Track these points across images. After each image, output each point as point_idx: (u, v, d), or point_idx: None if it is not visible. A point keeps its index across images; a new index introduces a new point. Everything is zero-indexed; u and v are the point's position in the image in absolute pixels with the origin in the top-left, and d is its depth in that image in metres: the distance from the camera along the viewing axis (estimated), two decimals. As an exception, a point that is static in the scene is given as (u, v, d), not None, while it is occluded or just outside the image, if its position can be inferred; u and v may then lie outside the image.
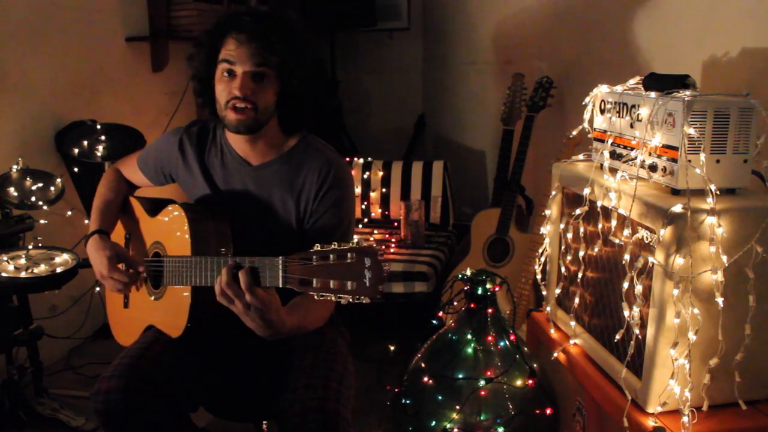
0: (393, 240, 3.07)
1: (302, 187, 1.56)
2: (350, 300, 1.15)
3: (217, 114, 1.55)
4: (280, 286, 1.24)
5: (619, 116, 1.59)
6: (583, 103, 1.74)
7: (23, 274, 2.00)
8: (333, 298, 1.16)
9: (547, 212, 1.86)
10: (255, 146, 1.57)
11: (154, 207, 1.67)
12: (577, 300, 1.72)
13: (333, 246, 1.17)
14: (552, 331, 1.86)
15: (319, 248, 1.18)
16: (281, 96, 1.52)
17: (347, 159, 3.33)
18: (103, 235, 1.63)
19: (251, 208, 1.58)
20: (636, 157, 1.48)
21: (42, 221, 2.35)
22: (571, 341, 1.74)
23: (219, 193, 1.61)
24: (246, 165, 1.59)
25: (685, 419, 1.35)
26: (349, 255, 1.15)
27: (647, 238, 1.40)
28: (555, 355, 1.76)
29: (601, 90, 1.68)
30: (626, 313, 1.43)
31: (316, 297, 1.18)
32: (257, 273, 1.26)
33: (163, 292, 1.55)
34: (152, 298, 1.59)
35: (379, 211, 3.30)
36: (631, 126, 1.53)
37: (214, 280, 1.36)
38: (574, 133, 1.80)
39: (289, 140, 1.61)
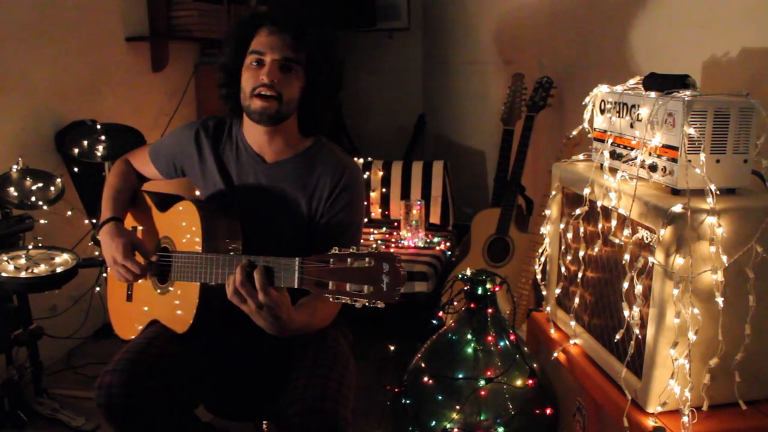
0: (393, 240, 3.07)
1: (315, 188, 1.57)
2: (366, 304, 1.16)
3: (239, 107, 1.56)
4: (296, 287, 1.25)
5: (619, 116, 1.59)
6: (583, 103, 1.74)
7: (23, 274, 2.00)
8: (348, 301, 1.17)
9: (547, 212, 1.86)
10: (272, 143, 1.58)
11: (164, 202, 1.67)
12: (577, 300, 1.72)
13: (351, 250, 1.18)
14: (552, 331, 1.86)
15: (336, 251, 1.19)
16: (305, 93, 1.54)
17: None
18: (118, 222, 1.63)
19: (263, 205, 1.59)
20: (636, 157, 1.48)
21: (42, 221, 2.35)
22: (571, 341, 1.74)
23: (232, 188, 1.62)
24: (261, 161, 1.60)
25: (685, 419, 1.35)
26: (367, 259, 1.15)
27: (647, 238, 1.40)
28: (555, 355, 1.76)
29: (601, 90, 1.68)
30: (626, 313, 1.43)
31: (331, 299, 1.19)
32: (272, 273, 1.26)
33: (170, 287, 1.55)
34: (158, 292, 1.59)
35: (379, 211, 3.30)
36: (631, 126, 1.53)
37: (224, 278, 1.37)
38: (574, 133, 1.80)
39: (304, 141, 1.62)
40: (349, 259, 1.17)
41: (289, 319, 1.30)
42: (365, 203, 1.67)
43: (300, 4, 1.58)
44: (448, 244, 3.05)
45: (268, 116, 1.50)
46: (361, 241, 1.23)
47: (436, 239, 3.06)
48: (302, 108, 1.57)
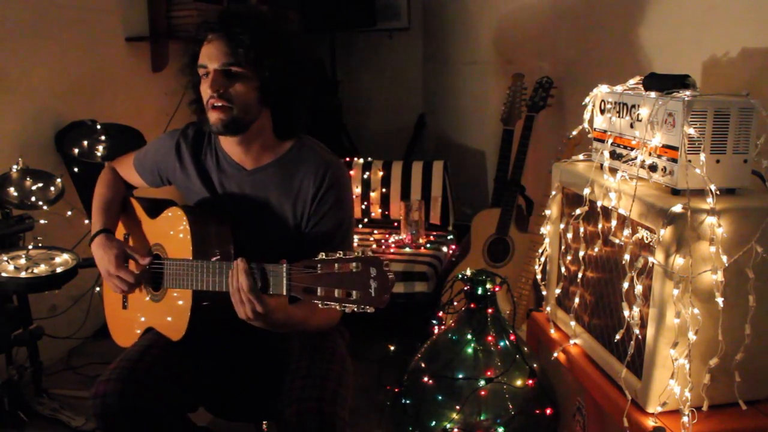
0: (393, 240, 3.07)
1: (299, 190, 1.55)
2: (354, 309, 1.15)
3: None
4: (284, 293, 1.24)
5: (619, 116, 1.59)
6: (583, 103, 1.74)
7: (23, 274, 2.00)
8: (338, 307, 1.16)
9: (547, 212, 1.86)
10: (249, 151, 1.55)
11: (155, 208, 1.66)
12: (577, 300, 1.72)
13: (338, 255, 1.17)
14: (552, 331, 1.86)
15: (323, 256, 1.18)
16: (266, 95, 1.49)
17: (347, 159, 3.34)
18: (108, 234, 1.62)
19: (248, 212, 1.57)
20: (636, 157, 1.48)
21: (42, 221, 2.35)
22: (571, 341, 1.74)
23: (216, 197, 1.60)
24: (241, 170, 1.58)
25: (685, 419, 1.35)
26: (354, 264, 1.14)
27: (647, 238, 1.40)
28: (555, 355, 1.76)
29: (601, 90, 1.68)
30: (626, 313, 1.43)
31: (320, 305, 1.18)
32: (267, 279, 1.26)
33: (163, 295, 1.55)
34: (152, 300, 1.59)
35: (379, 211, 3.30)
36: (631, 126, 1.53)
37: (215, 284, 1.37)
38: (574, 133, 1.80)
39: (284, 143, 1.59)
40: (336, 265, 1.16)
41: (286, 318, 1.31)
42: (353, 200, 1.64)
43: (266, 4, 1.55)
44: (448, 243, 3.05)
45: (224, 126, 1.46)
46: (355, 239, 1.24)
47: (436, 239, 3.06)
48: (274, 113, 1.53)
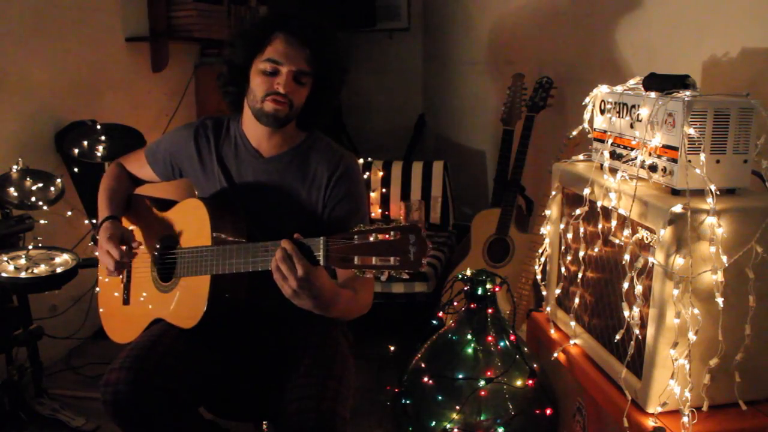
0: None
1: (313, 178, 1.60)
2: (392, 273, 1.20)
3: (239, 103, 1.59)
4: (322, 264, 1.28)
5: (619, 116, 1.59)
6: (583, 103, 1.74)
7: (23, 274, 2.00)
8: (375, 273, 1.21)
9: (547, 212, 1.86)
10: (271, 139, 1.61)
11: (161, 204, 1.69)
12: (577, 300, 1.72)
13: (375, 225, 1.22)
14: (552, 331, 1.86)
15: (361, 227, 1.23)
16: (311, 98, 1.58)
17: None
18: (115, 220, 1.64)
19: (263, 200, 1.61)
20: (636, 158, 1.48)
21: (42, 221, 2.35)
22: (571, 341, 1.74)
23: (233, 185, 1.63)
24: (258, 156, 1.62)
25: (685, 419, 1.35)
26: (392, 233, 1.19)
27: (647, 238, 1.40)
28: (555, 355, 1.76)
29: (601, 90, 1.68)
30: (626, 313, 1.43)
31: (357, 273, 1.22)
32: (310, 250, 1.29)
33: (175, 284, 1.56)
34: (160, 291, 1.60)
35: (379, 211, 3.30)
36: (631, 126, 1.53)
37: (238, 267, 1.40)
38: (574, 133, 1.80)
39: (300, 134, 1.65)
40: (373, 235, 1.20)
41: (333, 293, 1.34)
42: (366, 193, 1.69)
43: (310, 11, 1.58)
44: (448, 244, 3.04)
45: (276, 119, 1.53)
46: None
47: (436, 239, 3.06)
48: (305, 106, 1.59)
